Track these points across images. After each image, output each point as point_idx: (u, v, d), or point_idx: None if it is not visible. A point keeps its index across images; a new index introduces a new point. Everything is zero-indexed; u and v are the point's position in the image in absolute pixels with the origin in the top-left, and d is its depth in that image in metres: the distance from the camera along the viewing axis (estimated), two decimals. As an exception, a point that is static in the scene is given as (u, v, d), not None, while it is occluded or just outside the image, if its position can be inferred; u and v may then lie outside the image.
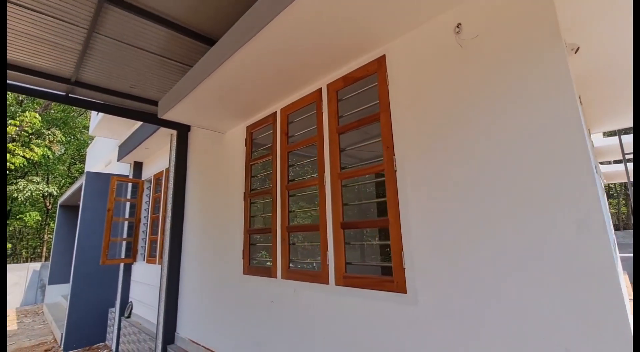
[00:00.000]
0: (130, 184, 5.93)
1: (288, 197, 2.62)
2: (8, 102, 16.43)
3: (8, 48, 2.66)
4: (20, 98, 18.10)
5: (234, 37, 2.07)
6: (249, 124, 3.20)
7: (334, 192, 2.22)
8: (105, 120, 5.90)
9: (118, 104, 3.76)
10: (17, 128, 14.22)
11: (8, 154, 13.48)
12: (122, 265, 5.69)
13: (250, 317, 2.77)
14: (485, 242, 1.45)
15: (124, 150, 5.71)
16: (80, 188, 6.43)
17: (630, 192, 5.33)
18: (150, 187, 5.78)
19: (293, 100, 2.68)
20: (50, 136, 15.50)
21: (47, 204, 19.58)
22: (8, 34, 2.49)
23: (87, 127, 21.48)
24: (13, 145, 13.79)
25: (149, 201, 5.78)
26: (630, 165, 5.13)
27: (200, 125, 3.35)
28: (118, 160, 5.91)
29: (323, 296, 2.17)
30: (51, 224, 20.30)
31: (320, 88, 2.45)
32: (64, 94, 3.42)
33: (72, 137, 19.60)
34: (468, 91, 1.61)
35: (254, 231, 2.95)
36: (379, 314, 1.83)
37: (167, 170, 4.93)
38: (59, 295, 9.16)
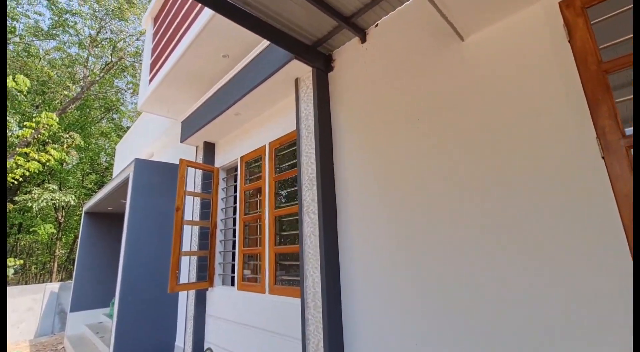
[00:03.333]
0: (198, 174, 4.19)
1: None
2: (23, 107, 15.13)
3: None
4: (36, 102, 16.86)
5: None
6: (569, -5, 1.44)
7: None
8: (165, 85, 4.22)
9: (245, 7, 2.05)
10: (33, 131, 12.76)
11: (21, 159, 11.98)
12: (189, 293, 3.89)
13: None
14: None
15: (192, 126, 4.00)
16: (124, 183, 4.71)
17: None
18: (233, 176, 4.04)
19: None
20: (68, 140, 14.00)
21: (59, 217, 18.03)
22: None
23: (105, 134, 20.13)
24: (29, 149, 12.32)
25: (225, 198, 4.03)
26: None
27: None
28: (182, 141, 4.19)
29: None
30: (63, 239, 18.75)
31: None
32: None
33: (87, 146, 18.07)
34: None
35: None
36: None
37: (273, 144, 3.19)
38: (83, 324, 7.37)
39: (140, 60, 19.43)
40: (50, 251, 19.06)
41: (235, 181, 4.10)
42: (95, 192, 15.94)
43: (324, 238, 2.22)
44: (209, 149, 4.19)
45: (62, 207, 17.93)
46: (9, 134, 12.36)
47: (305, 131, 2.57)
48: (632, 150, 1.23)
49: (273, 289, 2.85)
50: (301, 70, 2.67)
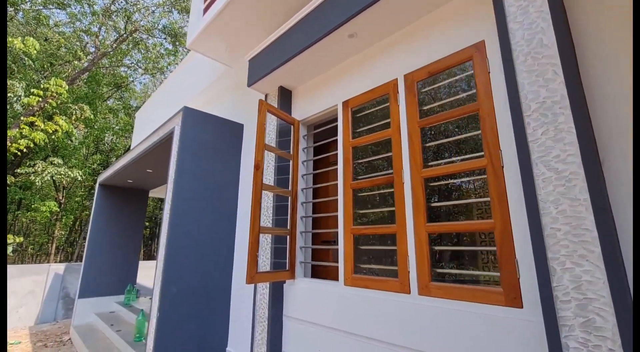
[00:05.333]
0: (269, 130, 3.17)
1: None
2: (30, 75, 14.05)
3: None
4: (46, 73, 15.75)
5: None
6: None
7: None
8: (228, 13, 3.21)
9: None
10: (40, 99, 11.72)
11: (27, 129, 10.95)
12: (258, 286, 2.89)
13: None
14: None
15: (268, 63, 2.98)
16: (164, 140, 3.68)
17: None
18: (313, 135, 3.02)
19: None
20: (77, 112, 12.93)
21: (60, 197, 16.97)
22: None
23: (113, 111, 19.09)
24: (35, 118, 11.28)
25: (306, 161, 3.03)
26: None
27: None
28: (249, 84, 3.17)
29: None
30: (63, 220, 17.75)
31: None
32: None
33: (95, 123, 16.88)
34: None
35: None
36: None
37: (413, 76, 2.19)
38: (92, 313, 6.39)
39: (154, 35, 18.34)
40: (48, 232, 18.12)
41: (320, 140, 3.10)
42: (100, 172, 14.85)
43: (600, 200, 1.22)
44: (285, 97, 3.17)
45: (64, 187, 16.95)
46: (14, 99, 11.31)
47: (521, 34, 1.56)
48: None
49: (427, 287, 1.85)
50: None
